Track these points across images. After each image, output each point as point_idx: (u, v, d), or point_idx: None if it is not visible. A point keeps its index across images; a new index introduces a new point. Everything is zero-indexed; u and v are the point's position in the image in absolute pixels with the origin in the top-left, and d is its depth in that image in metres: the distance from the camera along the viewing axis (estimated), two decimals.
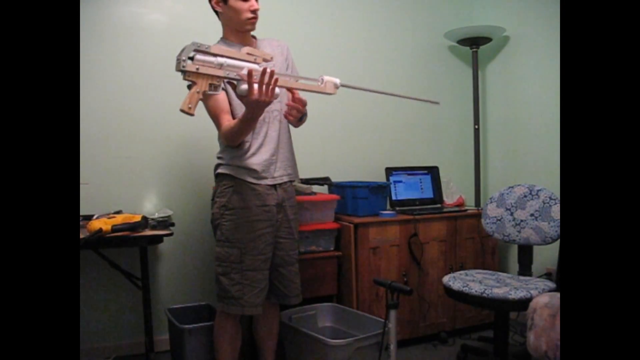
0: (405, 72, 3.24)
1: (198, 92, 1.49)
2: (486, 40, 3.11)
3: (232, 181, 1.88)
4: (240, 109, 1.74)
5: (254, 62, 1.58)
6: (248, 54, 1.57)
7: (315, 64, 2.90)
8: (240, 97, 1.61)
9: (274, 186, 1.92)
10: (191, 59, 1.47)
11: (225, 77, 1.54)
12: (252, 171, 1.87)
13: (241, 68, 1.55)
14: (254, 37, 2.01)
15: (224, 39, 1.95)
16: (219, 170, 1.93)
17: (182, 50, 1.47)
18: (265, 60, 1.60)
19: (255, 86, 1.54)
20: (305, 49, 2.92)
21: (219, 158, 1.94)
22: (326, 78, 1.71)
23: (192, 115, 1.53)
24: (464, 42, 3.15)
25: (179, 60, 1.46)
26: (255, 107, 1.61)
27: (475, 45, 3.15)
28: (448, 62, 3.37)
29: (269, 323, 2.08)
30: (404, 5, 3.25)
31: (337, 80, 1.74)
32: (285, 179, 1.97)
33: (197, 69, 1.47)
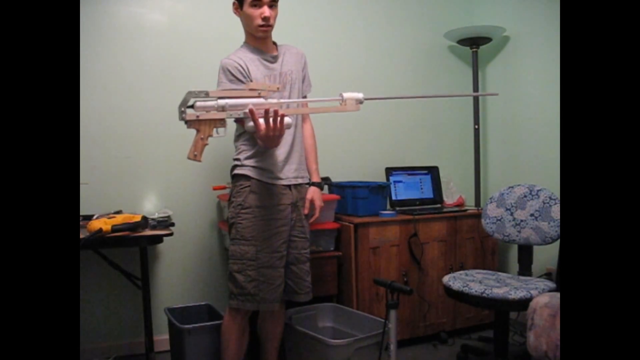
0: (406, 72, 3.24)
1: (202, 139, 1.51)
2: (486, 40, 3.11)
3: (249, 181, 1.92)
4: None
5: (259, 96, 1.57)
6: (251, 89, 1.57)
7: (315, 64, 2.89)
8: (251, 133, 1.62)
9: (289, 186, 1.98)
10: (192, 106, 1.48)
11: (229, 117, 1.54)
12: (267, 171, 1.93)
13: (245, 105, 1.55)
14: (274, 42, 2.06)
15: (246, 43, 2.01)
16: (236, 171, 1.97)
17: (182, 101, 1.49)
18: (271, 90, 1.60)
19: (262, 121, 1.55)
20: (305, 49, 2.91)
21: (235, 160, 1.99)
22: (346, 95, 1.60)
23: (199, 162, 1.58)
24: (464, 42, 3.15)
25: (180, 111, 1.49)
26: (266, 141, 1.65)
27: (475, 45, 3.15)
28: (448, 62, 3.37)
29: (275, 322, 2.09)
30: (404, 5, 3.25)
31: (360, 95, 1.62)
32: (300, 180, 2.02)
33: (198, 116, 1.48)
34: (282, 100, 1.61)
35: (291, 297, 2.05)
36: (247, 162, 1.94)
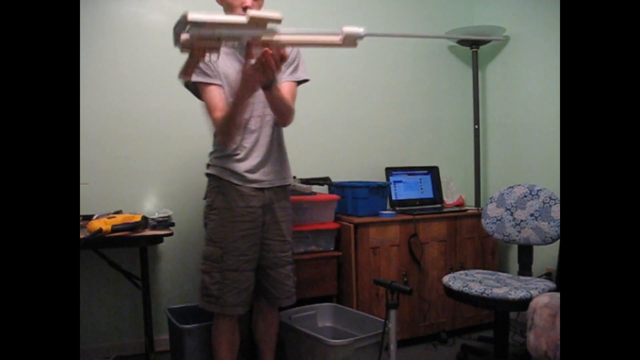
0: (406, 72, 3.24)
1: (195, 62, 1.43)
2: (486, 40, 3.11)
3: (218, 182, 1.88)
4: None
5: (257, 28, 1.39)
6: (251, 19, 1.37)
7: (315, 63, 2.89)
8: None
9: (261, 189, 1.89)
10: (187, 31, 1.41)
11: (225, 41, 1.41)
12: (237, 174, 1.86)
13: (240, 37, 1.42)
14: None
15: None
16: (207, 171, 1.94)
17: (177, 22, 1.40)
18: (274, 20, 1.36)
19: (252, 61, 1.46)
20: (305, 48, 2.91)
21: (209, 159, 1.95)
22: (346, 29, 1.40)
23: (189, 79, 1.53)
24: (464, 42, 3.15)
25: (174, 32, 1.41)
26: (245, 88, 1.58)
27: (475, 45, 3.15)
28: (448, 62, 3.37)
29: (267, 325, 2.06)
30: (404, 5, 3.25)
31: (361, 30, 1.41)
32: (277, 183, 1.93)
33: (192, 44, 1.39)
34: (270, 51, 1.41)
35: (272, 302, 1.98)
36: (216, 163, 1.89)
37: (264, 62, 1.45)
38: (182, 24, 1.39)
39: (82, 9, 2.44)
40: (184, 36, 1.38)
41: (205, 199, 1.95)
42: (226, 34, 1.37)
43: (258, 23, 1.34)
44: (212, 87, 1.81)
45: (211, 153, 1.95)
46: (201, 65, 1.75)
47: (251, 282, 1.89)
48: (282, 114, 1.86)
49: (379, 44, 3.16)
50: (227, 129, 1.79)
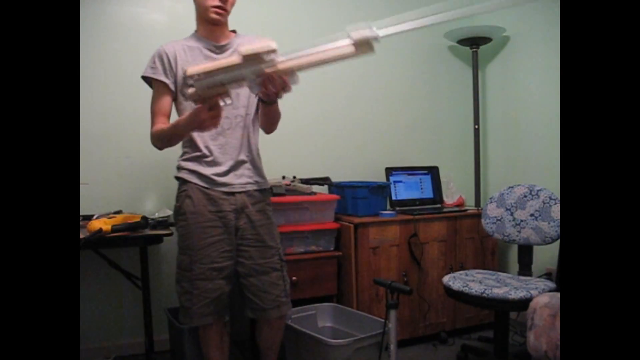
0: (406, 72, 3.24)
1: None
2: (486, 40, 3.11)
3: (185, 185, 1.79)
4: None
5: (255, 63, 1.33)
6: (245, 56, 1.31)
7: None
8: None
9: (232, 192, 1.79)
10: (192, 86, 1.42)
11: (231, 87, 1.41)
12: (206, 177, 1.78)
13: (242, 76, 1.35)
14: (234, 31, 1.88)
15: (195, 32, 1.84)
16: (176, 174, 1.86)
17: (181, 82, 1.45)
18: (268, 50, 1.27)
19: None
20: (304, 48, 2.91)
21: (177, 162, 1.88)
22: (356, 35, 1.17)
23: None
24: (464, 42, 3.15)
25: (181, 94, 1.49)
26: (194, 119, 1.49)
27: (475, 45, 3.15)
28: (448, 62, 3.37)
29: (274, 331, 1.93)
30: (404, 5, 3.24)
31: (372, 32, 1.19)
32: (249, 187, 1.82)
33: (200, 95, 1.40)
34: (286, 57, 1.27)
35: (258, 315, 1.83)
36: (184, 165, 1.81)
37: (267, 90, 1.37)
38: (185, 79, 1.41)
39: (82, 9, 2.44)
40: (191, 90, 1.40)
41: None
42: (228, 78, 1.35)
43: (253, 59, 1.28)
44: (161, 86, 1.77)
45: (180, 156, 1.87)
46: (156, 62, 1.76)
47: (223, 291, 1.79)
48: (274, 123, 1.87)
49: (379, 43, 3.15)
50: (160, 143, 1.76)
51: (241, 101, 1.80)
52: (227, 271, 1.79)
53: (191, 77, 1.36)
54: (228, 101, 1.43)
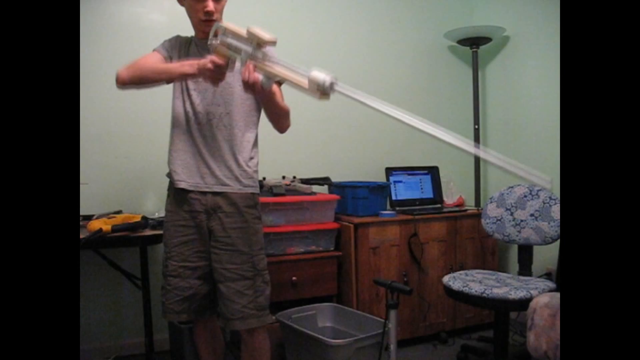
0: (405, 72, 3.24)
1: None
2: (486, 40, 3.11)
3: (170, 183, 1.79)
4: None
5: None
6: (249, 32, 1.45)
7: (315, 63, 2.89)
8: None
9: (202, 192, 1.73)
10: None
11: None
12: (176, 174, 1.74)
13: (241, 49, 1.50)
14: None
15: (194, 37, 1.85)
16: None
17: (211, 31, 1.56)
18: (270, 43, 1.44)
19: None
20: (306, 49, 2.92)
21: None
22: (313, 75, 1.26)
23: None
24: (464, 42, 3.15)
25: (209, 40, 1.55)
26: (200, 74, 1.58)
27: (475, 45, 3.15)
28: (448, 62, 3.37)
29: (259, 337, 1.77)
30: (404, 5, 3.25)
31: (328, 79, 1.26)
32: (226, 189, 1.72)
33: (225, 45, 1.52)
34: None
35: (223, 323, 1.74)
36: (169, 164, 1.79)
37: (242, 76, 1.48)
38: (216, 30, 1.54)
39: (82, 9, 2.44)
40: (216, 42, 1.53)
41: None
42: (234, 45, 1.49)
43: (252, 40, 1.43)
44: (158, 54, 1.83)
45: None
46: (166, 42, 1.87)
47: (196, 290, 1.75)
48: (279, 119, 1.80)
49: (379, 43, 3.16)
50: (131, 70, 1.79)
51: (223, 98, 1.75)
52: (202, 271, 1.75)
53: (222, 30, 1.50)
54: (231, 65, 1.53)
